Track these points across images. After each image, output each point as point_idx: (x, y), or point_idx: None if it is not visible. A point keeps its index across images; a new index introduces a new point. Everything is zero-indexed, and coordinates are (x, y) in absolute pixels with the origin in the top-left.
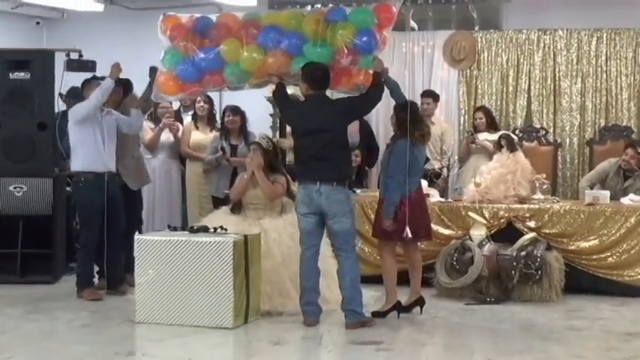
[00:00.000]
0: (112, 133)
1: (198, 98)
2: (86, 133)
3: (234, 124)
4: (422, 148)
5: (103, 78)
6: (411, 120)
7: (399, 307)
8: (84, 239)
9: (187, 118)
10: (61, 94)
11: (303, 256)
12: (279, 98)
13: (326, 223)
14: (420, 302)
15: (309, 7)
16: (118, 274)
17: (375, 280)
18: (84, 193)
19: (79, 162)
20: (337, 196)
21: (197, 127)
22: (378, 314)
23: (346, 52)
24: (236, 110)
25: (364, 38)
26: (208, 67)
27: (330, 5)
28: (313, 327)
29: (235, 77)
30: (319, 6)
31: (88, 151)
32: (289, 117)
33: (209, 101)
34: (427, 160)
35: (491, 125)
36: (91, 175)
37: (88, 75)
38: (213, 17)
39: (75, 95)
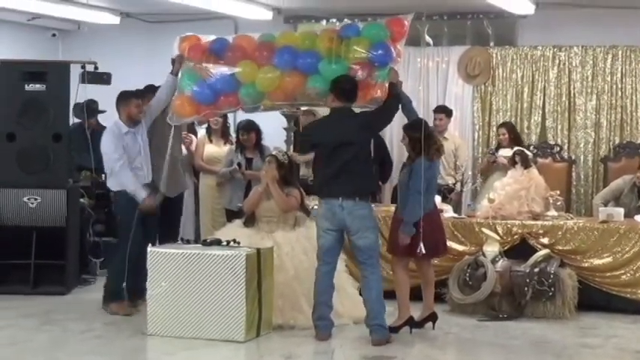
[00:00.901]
0: (146, 144)
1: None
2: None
3: (249, 142)
4: (438, 164)
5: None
6: (429, 135)
7: (411, 323)
8: (118, 251)
9: (201, 131)
10: (77, 104)
11: (318, 271)
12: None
13: (349, 239)
14: (432, 318)
15: (324, 22)
16: (139, 288)
17: (388, 295)
18: (126, 207)
19: (109, 181)
20: (360, 212)
21: (211, 141)
22: (390, 329)
23: (362, 66)
24: (249, 128)
25: (379, 51)
26: (223, 88)
27: (344, 21)
28: (325, 341)
29: (250, 98)
30: (334, 21)
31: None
32: (313, 131)
33: (223, 115)
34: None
35: (515, 141)
36: (121, 193)
37: (104, 87)
38: (230, 38)
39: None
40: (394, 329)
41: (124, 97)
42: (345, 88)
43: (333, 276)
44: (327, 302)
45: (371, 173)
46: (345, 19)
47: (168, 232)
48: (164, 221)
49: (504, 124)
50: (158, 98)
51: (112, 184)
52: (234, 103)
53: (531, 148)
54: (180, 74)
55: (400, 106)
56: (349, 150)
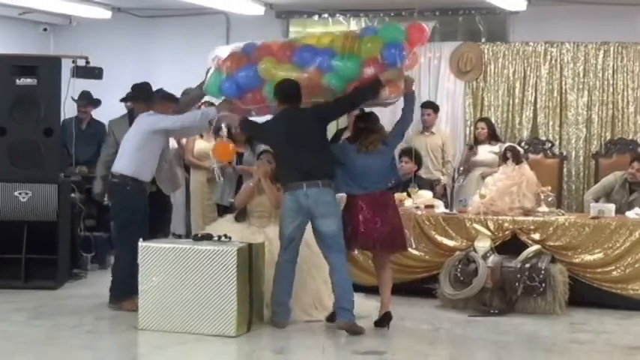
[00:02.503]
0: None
1: (202, 107)
2: (152, 143)
3: (240, 136)
4: (376, 157)
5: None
6: (367, 128)
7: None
8: (128, 245)
9: None
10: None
11: (281, 258)
12: (250, 126)
13: (313, 225)
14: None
15: (316, 17)
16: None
17: (374, 290)
18: (132, 198)
19: (130, 167)
20: (325, 198)
21: (201, 136)
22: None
23: (373, 63)
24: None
25: (392, 50)
26: (247, 84)
27: (336, 17)
28: (283, 329)
29: (272, 95)
30: (326, 16)
31: (146, 160)
32: (265, 126)
33: None
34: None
35: (492, 136)
36: (139, 182)
37: (95, 82)
38: (258, 42)
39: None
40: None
41: (164, 99)
42: (286, 92)
43: (296, 264)
44: (287, 288)
45: (329, 159)
46: (337, 15)
47: (159, 227)
48: (155, 216)
49: (483, 119)
50: (185, 119)
51: (125, 167)
52: (260, 99)
53: (523, 144)
54: (207, 80)
55: (405, 103)
56: (304, 138)
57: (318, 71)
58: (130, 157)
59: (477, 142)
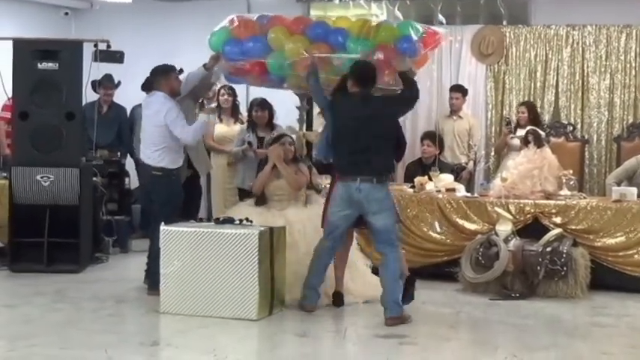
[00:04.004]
0: None
1: (222, 91)
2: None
3: (262, 120)
4: None
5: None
6: None
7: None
8: None
9: None
10: (94, 82)
11: (322, 245)
12: (319, 96)
13: (367, 221)
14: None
15: (337, 0)
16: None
17: None
18: (176, 187)
19: (167, 159)
20: (377, 194)
21: (221, 120)
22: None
23: (384, 49)
24: (263, 105)
25: (404, 44)
26: (253, 51)
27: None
28: (311, 312)
29: (277, 65)
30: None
31: (177, 147)
32: (338, 101)
33: (232, 93)
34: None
35: (534, 121)
36: (178, 170)
37: (116, 66)
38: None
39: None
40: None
41: (164, 72)
42: (363, 74)
43: (334, 253)
44: (321, 274)
45: (390, 154)
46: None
47: (191, 213)
48: (187, 201)
49: (525, 103)
50: (187, 82)
51: (165, 162)
52: (260, 72)
53: (544, 127)
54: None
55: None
56: (370, 131)
57: (329, 47)
58: (165, 150)
59: (519, 126)
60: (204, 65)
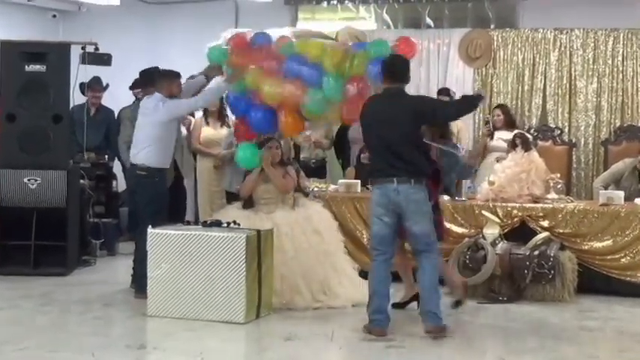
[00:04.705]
0: None
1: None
2: (170, 130)
3: None
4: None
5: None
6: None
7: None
8: None
9: (198, 114)
10: (82, 84)
11: (373, 262)
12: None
13: (404, 225)
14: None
15: (325, 4)
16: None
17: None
18: (161, 188)
19: (154, 157)
20: (416, 196)
21: (207, 123)
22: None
23: (357, 81)
24: None
25: (374, 69)
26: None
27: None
28: (383, 336)
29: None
30: (335, 3)
31: (166, 148)
32: (365, 110)
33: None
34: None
35: (509, 124)
36: (164, 171)
37: (104, 69)
38: (272, 34)
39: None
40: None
41: (170, 77)
42: (395, 68)
43: (390, 266)
44: (385, 293)
45: (424, 156)
46: (346, 2)
47: (177, 216)
48: (173, 205)
49: (499, 106)
50: (187, 90)
51: (147, 159)
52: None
53: (532, 131)
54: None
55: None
56: (403, 131)
57: (303, 86)
58: (153, 148)
59: (494, 128)
60: (205, 74)
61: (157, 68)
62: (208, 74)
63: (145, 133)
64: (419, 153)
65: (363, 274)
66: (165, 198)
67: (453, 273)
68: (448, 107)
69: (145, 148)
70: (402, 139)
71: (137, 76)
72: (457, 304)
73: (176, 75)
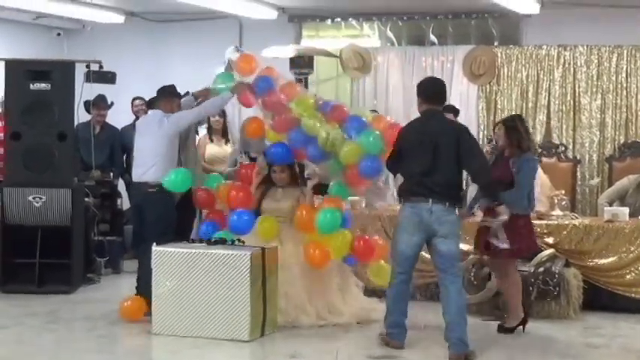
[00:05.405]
0: None
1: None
2: (175, 145)
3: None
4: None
5: (185, 94)
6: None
7: (525, 323)
8: None
9: (202, 131)
10: (87, 102)
11: (394, 280)
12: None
13: (432, 244)
14: (523, 322)
15: (329, 22)
16: None
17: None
18: (170, 205)
19: (163, 173)
20: (449, 217)
21: (212, 140)
22: (505, 329)
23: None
24: None
25: (369, 163)
26: None
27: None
28: (399, 349)
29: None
30: (339, 20)
31: (173, 163)
32: (402, 133)
33: (223, 114)
34: None
35: None
36: None
37: (108, 87)
38: (273, 82)
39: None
40: (509, 330)
41: (169, 94)
42: (432, 91)
43: (410, 285)
44: (403, 310)
45: (460, 177)
46: (350, 19)
47: (185, 232)
48: (181, 221)
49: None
50: (198, 112)
51: (156, 175)
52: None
53: (536, 147)
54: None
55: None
56: (441, 150)
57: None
58: (162, 164)
59: (496, 145)
60: (193, 93)
61: (172, 88)
62: (198, 95)
63: (150, 149)
64: (458, 172)
65: (367, 293)
66: (173, 216)
67: (518, 304)
68: (481, 161)
69: (153, 165)
70: (447, 163)
71: (141, 94)
72: (502, 329)
73: (176, 95)
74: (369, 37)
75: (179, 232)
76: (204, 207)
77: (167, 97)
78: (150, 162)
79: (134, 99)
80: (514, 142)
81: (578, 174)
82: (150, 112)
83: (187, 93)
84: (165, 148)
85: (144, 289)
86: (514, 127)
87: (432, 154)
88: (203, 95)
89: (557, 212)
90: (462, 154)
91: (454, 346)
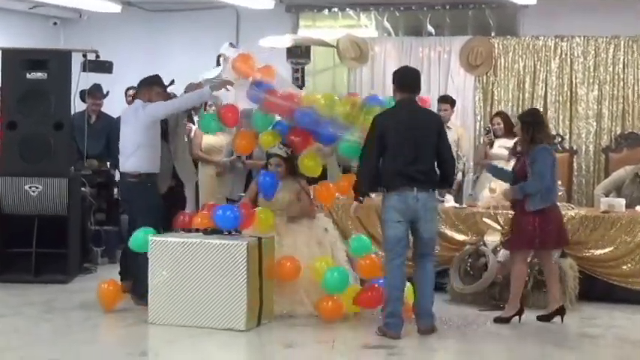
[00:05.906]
0: None
1: (210, 102)
2: (154, 135)
3: None
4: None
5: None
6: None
7: (521, 314)
8: None
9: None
10: (83, 92)
11: (390, 265)
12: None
13: (415, 230)
14: (560, 312)
15: (326, 12)
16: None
17: None
18: (153, 195)
19: (142, 162)
20: (432, 204)
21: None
22: (501, 320)
23: None
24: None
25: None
26: None
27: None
28: (397, 339)
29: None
30: (336, 10)
31: (153, 152)
32: (379, 120)
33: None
34: None
35: (510, 131)
36: (154, 176)
37: (105, 76)
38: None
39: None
40: (505, 320)
41: (148, 83)
42: (407, 79)
43: (406, 269)
44: (400, 298)
45: (435, 169)
46: (347, 9)
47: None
48: (172, 211)
49: (499, 114)
50: (178, 102)
51: (137, 164)
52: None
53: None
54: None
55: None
56: (422, 137)
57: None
58: (142, 154)
59: (495, 136)
60: (210, 87)
61: (152, 77)
62: (187, 91)
63: (129, 140)
64: (435, 163)
65: (363, 282)
66: (158, 209)
67: (517, 294)
68: (452, 155)
69: (132, 155)
70: (427, 152)
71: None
72: (498, 319)
73: (155, 81)
74: (366, 27)
75: (169, 224)
76: None
77: (146, 86)
78: (129, 151)
79: (128, 89)
80: (527, 138)
81: (575, 165)
82: (135, 101)
83: (172, 82)
84: (143, 137)
85: (142, 278)
86: (529, 123)
87: (414, 144)
88: (220, 88)
89: None
90: (440, 147)
91: (431, 318)
